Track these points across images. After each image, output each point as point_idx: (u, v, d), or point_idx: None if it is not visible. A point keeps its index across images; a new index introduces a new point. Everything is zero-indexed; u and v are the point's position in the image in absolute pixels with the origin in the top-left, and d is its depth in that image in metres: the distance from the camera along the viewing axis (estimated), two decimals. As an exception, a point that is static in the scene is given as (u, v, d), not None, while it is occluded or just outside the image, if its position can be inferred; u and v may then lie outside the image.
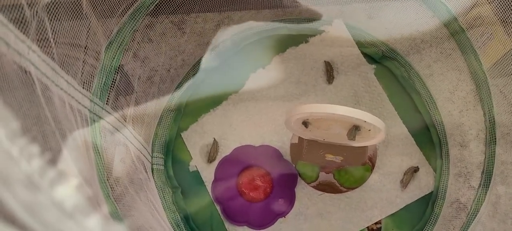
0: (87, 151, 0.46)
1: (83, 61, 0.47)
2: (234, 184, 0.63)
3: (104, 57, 0.51)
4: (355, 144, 0.55)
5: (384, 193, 0.63)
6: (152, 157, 0.61)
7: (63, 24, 0.41)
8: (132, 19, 0.54)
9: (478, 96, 0.61)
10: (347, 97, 0.64)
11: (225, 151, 0.64)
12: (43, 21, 0.37)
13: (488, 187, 0.58)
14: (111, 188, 0.49)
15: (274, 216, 0.62)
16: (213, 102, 0.64)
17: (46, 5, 0.38)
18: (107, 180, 0.49)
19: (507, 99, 0.56)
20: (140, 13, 0.54)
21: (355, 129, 0.52)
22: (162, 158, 0.62)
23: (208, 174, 0.64)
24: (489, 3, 0.54)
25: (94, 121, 0.48)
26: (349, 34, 0.64)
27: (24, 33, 0.35)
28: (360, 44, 0.64)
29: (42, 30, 0.37)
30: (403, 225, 0.62)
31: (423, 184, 0.63)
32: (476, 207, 0.58)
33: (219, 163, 0.64)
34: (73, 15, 0.43)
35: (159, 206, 0.59)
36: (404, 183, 0.62)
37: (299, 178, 0.63)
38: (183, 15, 0.59)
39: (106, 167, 0.49)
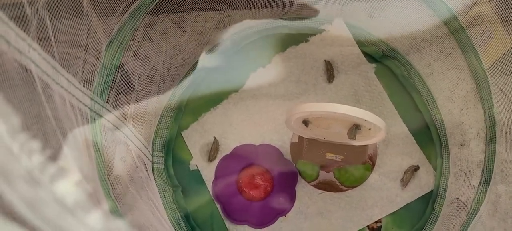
0: (87, 149, 0.46)
1: (84, 60, 0.47)
2: (234, 183, 0.63)
3: (105, 56, 0.51)
4: (356, 142, 0.55)
5: (385, 192, 0.63)
6: (152, 156, 0.61)
7: (63, 23, 0.41)
8: (132, 18, 0.54)
9: (478, 95, 0.61)
10: (347, 96, 0.64)
11: (225, 149, 0.64)
12: (43, 19, 0.38)
13: (488, 186, 0.58)
14: (111, 186, 0.49)
15: (275, 215, 0.62)
16: (214, 101, 0.65)
17: (46, 3, 0.38)
18: (108, 178, 0.49)
19: (507, 98, 0.56)
20: (140, 12, 0.54)
21: (355, 128, 0.52)
22: (162, 156, 0.62)
23: (208, 172, 0.64)
24: (489, 1, 0.54)
25: (94, 119, 0.48)
26: (349, 33, 0.65)
27: (24, 31, 0.35)
28: (360, 43, 0.64)
29: (42, 28, 0.38)
30: (403, 224, 0.62)
31: (423, 182, 0.63)
32: (476, 206, 0.58)
33: (219, 162, 0.64)
34: (73, 13, 0.43)
35: (160, 204, 0.59)
36: (404, 182, 0.62)
37: (299, 177, 0.63)
38: (183, 14, 0.59)
39: (106, 166, 0.50)
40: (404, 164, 0.63)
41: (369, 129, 0.52)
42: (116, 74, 0.53)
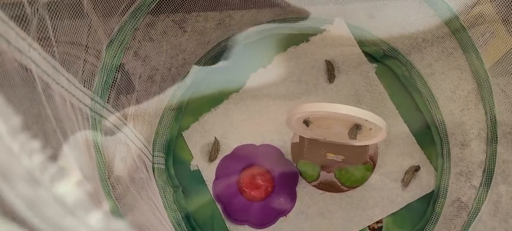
0: (88, 149, 0.46)
1: (84, 60, 0.47)
2: (235, 183, 0.63)
3: (105, 56, 0.51)
4: (356, 143, 0.55)
5: (385, 192, 0.63)
6: (153, 156, 0.61)
7: (64, 22, 0.41)
8: (133, 17, 0.54)
9: (479, 95, 0.61)
10: (348, 97, 0.64)
11: (226, 150, 0.64)
12: (44, 19, 0.37)
13: (489, 186, 0.58)
14: (112, 186, 0.49)
15: (275, 215, 0.62)
16: (214, 101, 0.64)
17: (47, 3, 0.38)
18: (108, 178, 0.49)
19: (508, 98, 0.56)
20: (141, 11, 0.54)
21: (356, 128, 0.52)
22: (163, 157, 0.62)
23: (209, 173, 0.64)
24: (490, 1, 0.54)
25: (95, 119, 0.48)
26: (350, 33, 0.64)
27: (25, 31, 0.35)
28: (361, 43, 0.64)
29: (43, 28, 0.37)
30: (404, 224, 0.62)
31: (424, 183, 0.63)
32: (477, 206, 0.58)
33: (220, 162, 0.64)
34: (74, 13, 0.43)
35: (160, 205, 0.59)
36: (405, 182, 0.62)
37: (300, 177, 0.63)
38: (184, 14, 0.59)
39: (107, 166, 0.49)
40: (405, 164, 0.63)
41: (370, 129, 0.52)
42: (116, 74, 0.53)
